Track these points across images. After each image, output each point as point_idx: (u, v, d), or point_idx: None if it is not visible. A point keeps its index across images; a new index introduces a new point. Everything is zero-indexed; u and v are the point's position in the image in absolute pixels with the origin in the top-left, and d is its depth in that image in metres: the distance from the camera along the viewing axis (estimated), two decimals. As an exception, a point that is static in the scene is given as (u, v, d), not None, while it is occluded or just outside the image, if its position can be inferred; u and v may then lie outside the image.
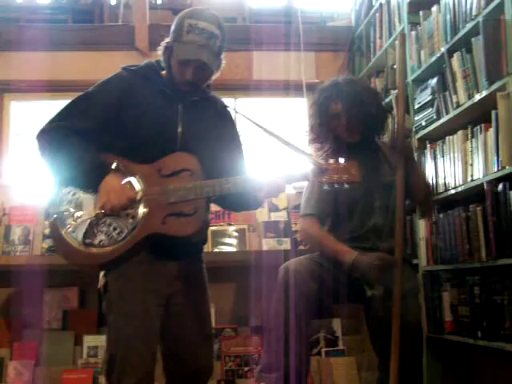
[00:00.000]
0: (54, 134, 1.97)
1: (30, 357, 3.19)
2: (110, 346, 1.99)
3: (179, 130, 2.03)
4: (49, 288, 3.39)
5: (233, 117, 2.26)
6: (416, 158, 2.91)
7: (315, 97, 2.63)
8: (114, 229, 1.94)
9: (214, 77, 2.10)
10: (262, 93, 4.10)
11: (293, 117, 4.29)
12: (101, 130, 1.99)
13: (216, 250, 3.27)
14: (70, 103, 2.04)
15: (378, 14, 3.83)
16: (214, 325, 3.20)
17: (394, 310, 2.32)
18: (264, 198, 2.06)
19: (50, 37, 3.97)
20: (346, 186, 1.98)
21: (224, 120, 2.20)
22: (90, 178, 1.93)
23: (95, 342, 3.25)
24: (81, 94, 2.05)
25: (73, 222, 1.96)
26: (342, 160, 1.97)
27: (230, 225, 3.36)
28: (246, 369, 3.09)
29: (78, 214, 1.97)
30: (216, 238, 3.30)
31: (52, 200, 2.02)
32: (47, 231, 3.26)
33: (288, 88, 4.10)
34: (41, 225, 3.41)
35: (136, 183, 1.95)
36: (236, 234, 3.31)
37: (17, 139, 4.08)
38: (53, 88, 3.92)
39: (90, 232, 1.94)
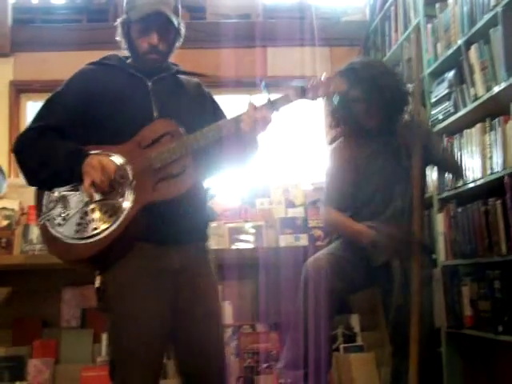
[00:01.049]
0: (28, 137, 1.94)
1: (49, 355, 3.20)
2: (110, 350, 1.92)
3: (153, 107, 1.98)
4: (67, 286, 3.41)
5: (209, 92, 2.17)
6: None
7: None
8: (105, 212, 1.84)
9: (178, 44, 2.05)
10: (277, 89, 4.09)
11: (309, 112, 4.29)
12: (75, 126, 1.94)
13: (233, 247, 3.26)
14: (40, 107, 2.01)
15: (393, 8, 3.81)
16: (231, 321, 3.23)
17: (413, 297, 2.33)
18: (252, 133, 1.94)
19: (64, 37, 4.00)
20: (335, 97, 1.97)
21: (199, 93, 2.13)
22: (69, 166, 1.85)
23: (114, 339, 3.26)
24: (49, 95, 2.03)
25: (62, 221, 1.86)
26: (322, 77, 1.95)
27: (246, 221, 3.35)
28: (265, 365, 3.08)
29: (67, 211, 1.87)
30: (233, 234, 3.29)
31: (40, 205, 1.93)
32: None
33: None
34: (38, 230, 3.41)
35: (117, 159, 1.88)
36: (253, 230, 3.30)
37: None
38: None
39: (82, 223, 1.84)
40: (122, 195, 1.85)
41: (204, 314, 1.95)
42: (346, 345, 3.12)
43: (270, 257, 3.17)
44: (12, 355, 3.18)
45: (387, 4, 3.89)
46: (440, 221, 3.06)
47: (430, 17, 3.25)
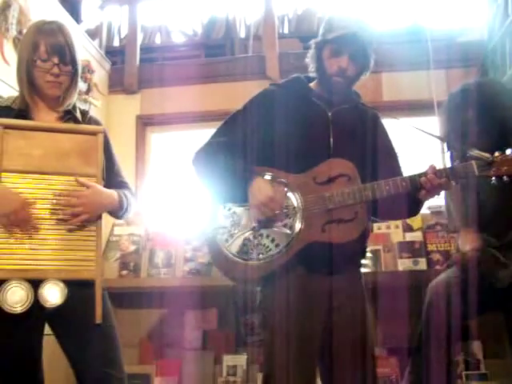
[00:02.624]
0: (205, 152, 2.05)
1: (173, 373, 3.35)
2: (266, 365, 1.98)
3: (331, 138, 2.00)
4: (189, 309, 3.55)
5: (385, 126, 2.20)
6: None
7: (446, 104, 2.58)
8: (272, 240, 1.92)
9: (365, 75, 2.08)
10: (393, 113, 4.07)
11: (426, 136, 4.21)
12: (251, 145, 2.00)
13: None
14: (221, 124, 2.11)
15: (514, 24, 3.68)
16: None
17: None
18: (425, 198, 1.95)
19: (185, 72, 4.22)
20: None
21: (375, 129, 2.14)
22: (240, 185, 1.94)
23: (234, 361, 3.34)
24: (230, 114, 2.12)
25: (230, 237, 1.96)
26: (509, 151, 1.87)
27: (364, 246, 3.35)
28: (384, 391, 3.04)
29: (235, 228, 1.97)
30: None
31: (209, 217, 2.03)
32: (204, 248, 3.29)
33: (419, 107, 4.04)
34: (182, 249, 3.57)
35: (291, 193, 1.94)
36: (370, 254, 3.29)
37: (158, 169, 4.35)
38: (191, 119, 4.15)
39: (247, 245, 1.93)
40: (291, 227, 1.92)
41: (353, 334, 1.96)
42: (468, 372, 3.00)
43: (389, 281, 3.13)
44: (139, 373, 3.36)
45: (508, 21, 3.77)
46: None
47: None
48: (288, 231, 1.91)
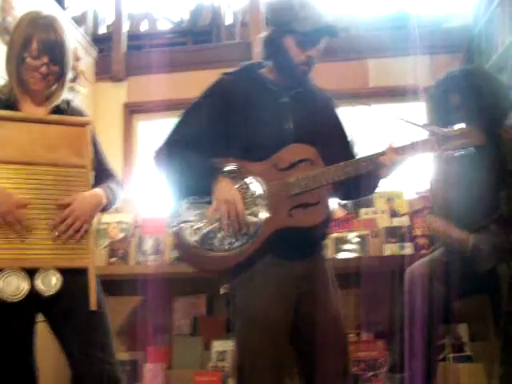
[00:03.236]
0: (167, 150, 2.04)
1: (162, 360, 3.36)
2: (238, 354, 1.99)
3: (290, 123, 2.00)
4: (178, 295, 3.57)
5: (336, 107, 2.20)
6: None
7: (432, 90, 2.61)
8: (240, 229, 1.92)
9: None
10: (379, 99, 4.10)
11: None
12: (213, 137, 2.00)
13: (338, 256, 3.28)
14: (179, 119, 2.10)
15: (499, 9, 3.70)
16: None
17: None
18: (386, 174, 1.98)
19: (172, 59, 4.22)
20: (473, 149, 1.92)
21: (331, 111, 2.16)
22: (202, 183, 1.94)
23: (223, 347, 3.35)
24: (187, 107, 2.11)
25: (197, 230, 1.96)
26: (457, 126, 1.95)
27: (350, 231, 3.37)
28: (371, 373, 3.07)
29: (200, 222, 1.97)
30: (337, 244, 3.31)
31: (172, 211, 2.03)
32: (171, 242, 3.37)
33: (404, 93, 4.06)
34: (170, 236, 3.57)
35: (254, 182, 1.95)
36: (357, 239, 3.31)
37: (145, 156, 4.35)
38: (177, 106, 4.14)
39: (215, 237, 1.93)
40: (256, 214, 1.93)
41: (324, 317, 1.99)
42: (454, 354, 3.05)
43: (375, 266, 3.17)
44: (128, 359, 3.38)
45: (492, 6, 3.79)
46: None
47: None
48: (255, 219, 1.92)
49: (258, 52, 4.10)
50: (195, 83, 4.11)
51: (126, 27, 4.57)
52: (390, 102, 4.20)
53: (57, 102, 2.12)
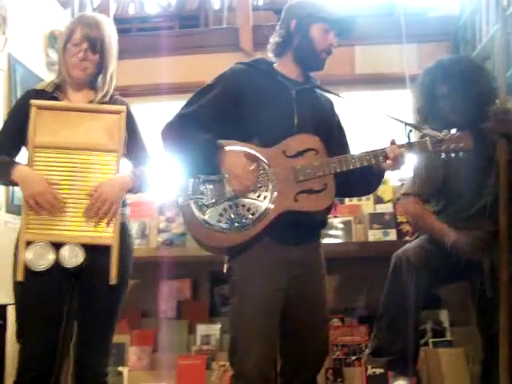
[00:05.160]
0: (176, 125, 2.10)
1: (148, 343, 3.39)
2: (233, 328, 2.09)
3: (295, 114, 2.10)
4: (164, 280, 3.59)
5: (337, 110, 2.32)
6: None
7: (420, 79, 2.63)
8: (248, 209, 2.00)
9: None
10: (365, 86, 4.11)
11: (397, 109, 4.26)
12: (221, 120, 2.08)
13: (322, 241, 3.31)
14: (191, 97, 2.15)
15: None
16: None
17: (501, 292, 2.31)
18: (390, 168, 2.06)
19: (160, 43, 4.20)
20: (461, 154, 2.01)
21: (332, 110, 2.29)
22: (209, 158, 2.01)
23: (207, 330, 3.40)
24: (200, 87, 2.16)
25: (206, 207, 2.03)
26: (454, 130, 2.01)
27: (335, 217, 3.40)
28: (354, 358, 3.13)
29: (211, 198, 2.03)
30: (322, 230, 3.35)
31: (181, 188, 2.08)
32: (178, 215, 3.37)
33: (391, 81, 4.08)
34: (156, 219, 3.59)
35: (263, 163, 2.02)
36: (342, 225, 3.35)
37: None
38: (166, 91, 4.13)
39: (223, 214, 2.00)
40: (265, 197, 2.01)
41: (311, 301, 2.10)
42: (435, 339, 3.11)
43: (359, 251, 3.20)
44: (114, 343, 3.39)
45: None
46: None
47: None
48: (263, 200, 2.00)
49: (245, 40, 4.13)
50: (182, 68, 4.16)
51: (112, 10, 4.53)
52: (376, 90, 4.21)
53: (101, 92, 2.28)
